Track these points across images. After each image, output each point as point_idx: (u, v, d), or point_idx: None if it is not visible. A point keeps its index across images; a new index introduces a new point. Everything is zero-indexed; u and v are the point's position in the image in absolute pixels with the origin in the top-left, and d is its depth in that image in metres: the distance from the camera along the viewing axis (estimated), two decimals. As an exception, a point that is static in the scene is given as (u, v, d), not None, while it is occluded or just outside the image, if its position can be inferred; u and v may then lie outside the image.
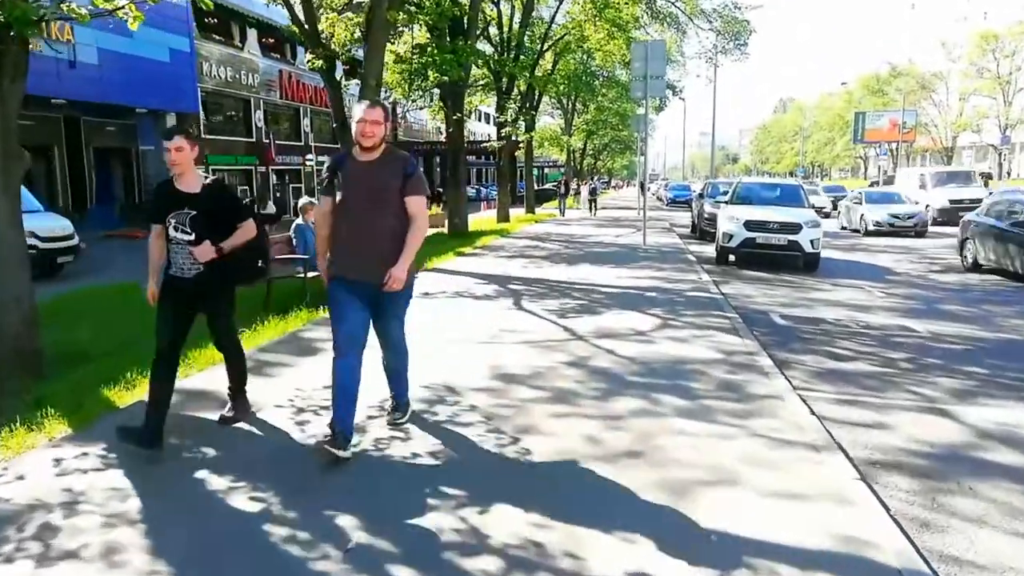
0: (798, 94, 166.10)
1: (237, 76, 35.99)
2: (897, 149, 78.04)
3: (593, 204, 34.85)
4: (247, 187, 37.88)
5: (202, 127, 33.71)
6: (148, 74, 28.04)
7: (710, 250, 16.84)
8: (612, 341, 6.66)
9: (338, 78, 12.71)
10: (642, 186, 40.47)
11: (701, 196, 21.61)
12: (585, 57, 35.63)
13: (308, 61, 12.31)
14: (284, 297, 8.71)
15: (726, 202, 15.10)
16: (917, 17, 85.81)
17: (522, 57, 23.47)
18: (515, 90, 25.46)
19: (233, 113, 37.24)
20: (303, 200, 9.33)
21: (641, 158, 42.72)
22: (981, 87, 69.94)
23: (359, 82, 12.56)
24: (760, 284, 11.67)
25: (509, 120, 24.39)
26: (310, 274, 8.75)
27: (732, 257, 14.31)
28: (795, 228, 13.31)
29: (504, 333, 7.01)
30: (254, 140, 37.97)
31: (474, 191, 58.04)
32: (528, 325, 7.45)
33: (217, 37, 34.73)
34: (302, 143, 41.88)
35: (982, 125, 71.77)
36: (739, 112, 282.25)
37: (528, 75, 22.51)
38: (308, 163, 40.97)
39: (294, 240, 9.09)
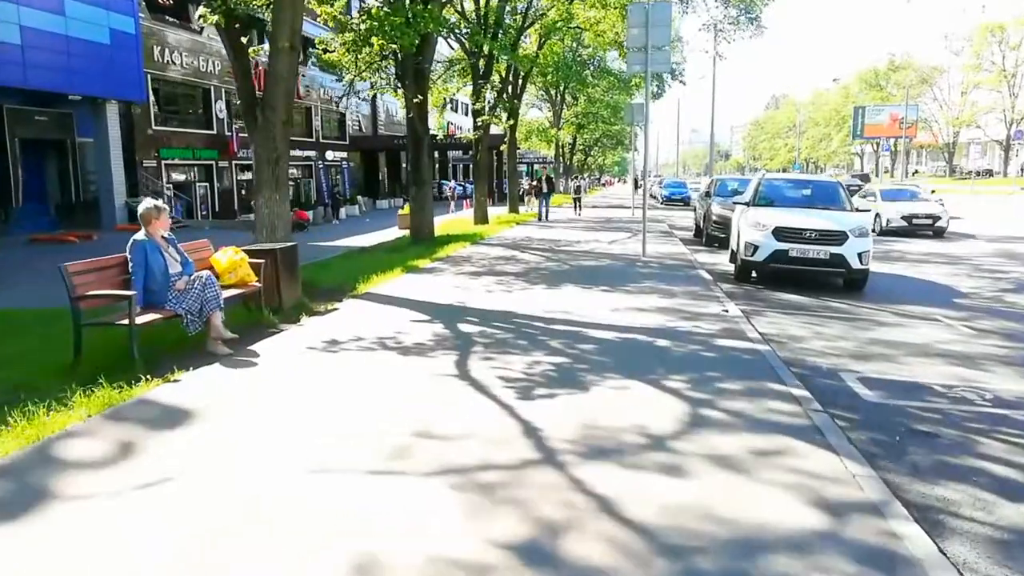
0: (791, 90, 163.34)
1: (195, 62, 32.83)
2: (896, 144, 75.56)
3: (577, 204, 31.76)
4: (207, 183, 34.79)
5: (153, 117, 30.63)
6: (84, 57, 24.90)
7: (723, 260, 13.90)
8: (608, 469, 3.63)
9: (244, 41, 9.63)
10: (636, 182, 37.63)
11: (708, 195, 18.59)
12: (574, 44, 32.66)
13: (200, 16, 9.30)
14: (102, 353, 5.67)
15: (745, 203, 12.10)
16: (913, 10, 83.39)
17: (501, 35, 20.39)
18: (493, 73, 22.35)
19: (190, 103, 34.06)
20: (145, 204, 6.23)
21: (634, 153, 39.81)
22: (985, 80, 67.42)
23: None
24: (803, 316, 8.68)
25: (486, 107, 21.34)
26: (141, 318, 5.70)
27: (754, 273, 11.36)
28: (839, 238, 10.37)
29: (419, 443, 3.98)
30: (215, 133, 34.90)
31: (460, 188, 54.97)
32: (466, 419, 4.41)
33: (170, 19, 31.51)
34: (270, 136, 38.45)
35: (986, 120, 69.33)
36: (731, 109, 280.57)
37: (507, 53, 19.38)
38: (277, 158, 37.70)
39: (130, 264, 6.04)
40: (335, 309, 8.14)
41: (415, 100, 15.15)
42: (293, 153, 40.47)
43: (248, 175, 36.61)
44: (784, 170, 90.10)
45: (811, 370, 6.10)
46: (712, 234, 17.03)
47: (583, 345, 6.33)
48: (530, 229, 20.92)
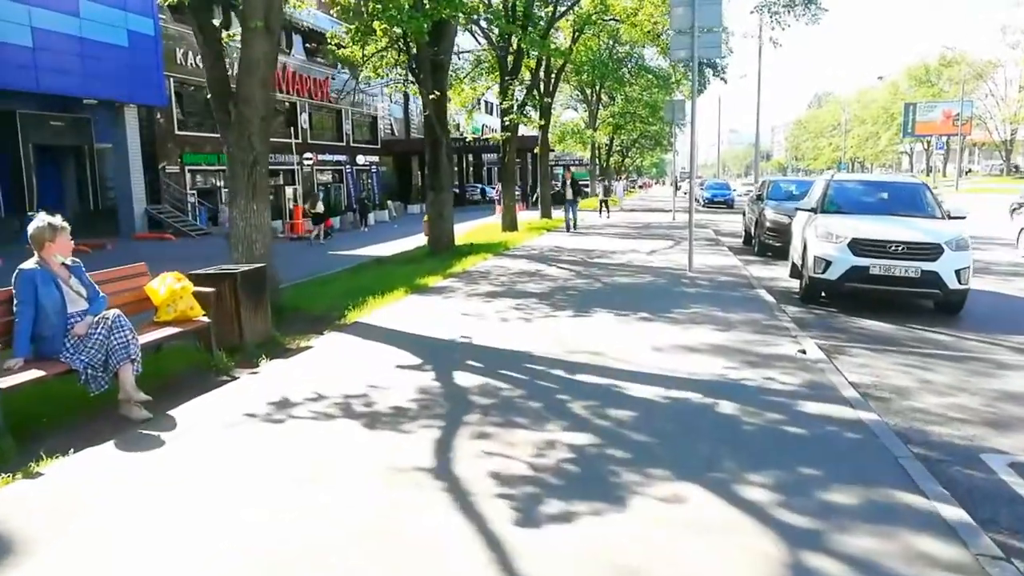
0: (833, 89, 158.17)
1: (220, 65, 31.71)
2: (949, 142, 71.98)
3: (605, 207, 29.76)
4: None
5: (176, 122, 29.69)
6: (100, 60, 23.93)
7: (781, 274, 12.08)
8: None
9: (216, 23, 8.21)
10: (676, 184, 35.56)
11: (759, 199, 16.69)
12: (611, 41, 30.83)
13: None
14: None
15: (811, 210, 10.28)
16: (961, 4, 79.63)
17: (531, 28, 18.74)
18: (522, 69, 20.69)
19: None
20: (37, 222, 4.75)
21: (674, 154, 37.84)
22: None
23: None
24: (899, 354, 6.85)
25: (515, 106, 19.72)
26: (12, 378, 4.20)
27: (823, 293, 9.53)
28: (933, 252, 8.51)
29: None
30: (240, 137, 33.71)
31: (493, 192, 53.43)
32: None
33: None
34: (299, 140, 37.35)
35: (1048, 116, 65.51)
36: (772, 109, 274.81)
37: (538, 47, 17.67)
38: (306, 163, 36.66)
39: (15, 301, 4.56)
40: (308, 347, 6.58)
41: (432, 96, 13.61)
42: (322, 158, 39.33)
43: (276, 180, 35.46)
44: (829, 170, 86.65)
45: (939, 450, 4.33)
46: (765, 243, 15.17)
47: (617, 411, 4.64)
48: (561, 237, 19.22)
